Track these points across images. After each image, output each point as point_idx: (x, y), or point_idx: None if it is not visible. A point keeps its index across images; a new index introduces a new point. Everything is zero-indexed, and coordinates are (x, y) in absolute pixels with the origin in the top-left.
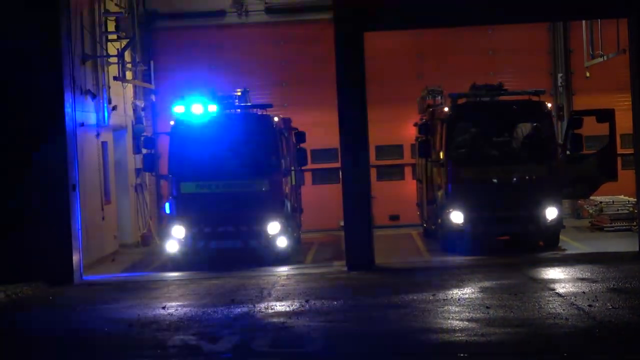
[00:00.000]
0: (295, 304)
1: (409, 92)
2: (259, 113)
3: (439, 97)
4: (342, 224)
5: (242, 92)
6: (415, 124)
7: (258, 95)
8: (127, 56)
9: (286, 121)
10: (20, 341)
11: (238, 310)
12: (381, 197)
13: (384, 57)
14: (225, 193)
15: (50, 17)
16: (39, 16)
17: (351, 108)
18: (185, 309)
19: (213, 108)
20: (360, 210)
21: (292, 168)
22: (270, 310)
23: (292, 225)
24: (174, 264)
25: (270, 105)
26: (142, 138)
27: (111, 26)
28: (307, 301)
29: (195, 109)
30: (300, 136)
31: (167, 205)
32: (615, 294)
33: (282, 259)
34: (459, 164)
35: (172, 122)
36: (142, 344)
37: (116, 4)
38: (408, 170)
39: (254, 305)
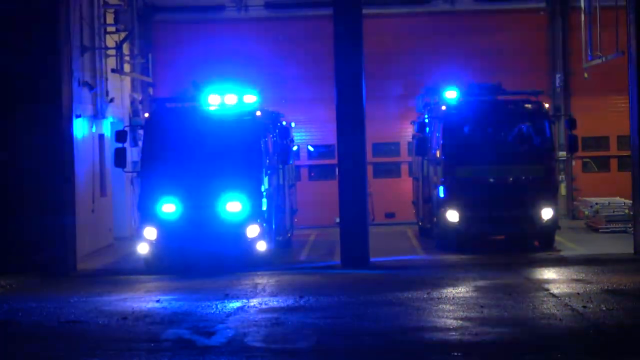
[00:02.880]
0: (290, 300)
1: (407, 90)
2: (244, 107)
3: (437, 96)
4: (337, 220)
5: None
6: (413, 122)
7: (255, 90)
8: (126, 49)
9: (273, 115)
10: (13, 333)
11: (232, 305)
12: (377, 194)
13: (383, 55)
14: (203, 194)
15: (49, 7)
16: (37, 6)
17: (349, 97)
18: (179, 303)
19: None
20: (357, 207)
21: (281, 166)
22: (264, 306)
23: (278, 227)
24: (146, 265)
25: (254, 98)
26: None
27: (110, 18)
28: (301, 297)
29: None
30: (286, 131)
31: (138, 204)
32: (610, 296)
33: (262, 264)
34: (455, 163)
35: (146, 115)
36: (136, 336)
37: None
38: (405, 168)
39: (248, 300)
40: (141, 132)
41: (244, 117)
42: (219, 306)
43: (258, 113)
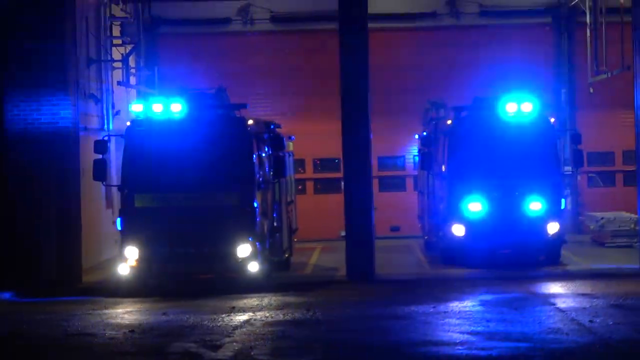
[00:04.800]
0: (296, 313)
1: (412, 104)
2: (232, 114)
3: (442, 110)
4: (342, 234)
5: (217, 90)
6: (418, 136)
7: (260, 103)
8: (132, 61)
9: (268, 125)
10: (20, 345)
11: (239, 318)
12: (382, 208)
13: (388, 69)
14: (187, 208)
15: (56, 20)
16: (44, 19)
17: (354, 111)
18: (185, 316)
19: (177, 107)
20: (362, 220)
21: (276, 181)
22: (270, 319)
23: (273, 247)
24: (129, 289)
25: (245, 105)
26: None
27: (116, 31)
28: (307, 311)
29: (156, 108)
30: (278, 142)
31: (118, 221)
32: (616, 310)
33: (254, 287)
34: (459, 177)
35: (128, 123)
36: (143, 350)
37: (122, 9)
38: (410, 182)
39: (255, 314)
40: None
41: (232, 126)
42: (225, 319)
43: (250, 122)
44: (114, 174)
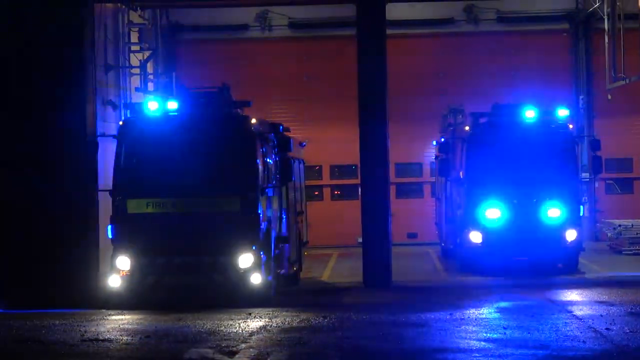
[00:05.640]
0: (312, 320)
1: (430, 111)
2: (235, 114)
3: (460, 116)
4: (360, 240)
5: (219, 88)
6: (436, 143)
7: (278, 109)
8: (150, 67)
9: (274, 126)
10: (36, 350)
11: (255, 324)
12: (400, 214)
13: (406, 75)
14: (185, 214)
15: (75, 27)
16: (63, 26)
17: (372, 117)
18: (202, 322)
19: (173, 105)
20: (379, 227)
21: (284, 188)
22: (287, 325)
23: (279, 258)
24: (120, 302)
25: (248, 103)
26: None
27: (135, 37)
28: (324, 317)
29: (151, 105)
30: (284, 144)
31: (109, 228)
32: (633, 318)
33: (258, 300)
34: (477, 184)
35: (120, 123)
36: (159, 355)
37: (140, 16)
38: (427, 189)
39: (271, 320)
40: None
41: (234, 124)
42: (242, 325)
43: (253, 121)
44: None
